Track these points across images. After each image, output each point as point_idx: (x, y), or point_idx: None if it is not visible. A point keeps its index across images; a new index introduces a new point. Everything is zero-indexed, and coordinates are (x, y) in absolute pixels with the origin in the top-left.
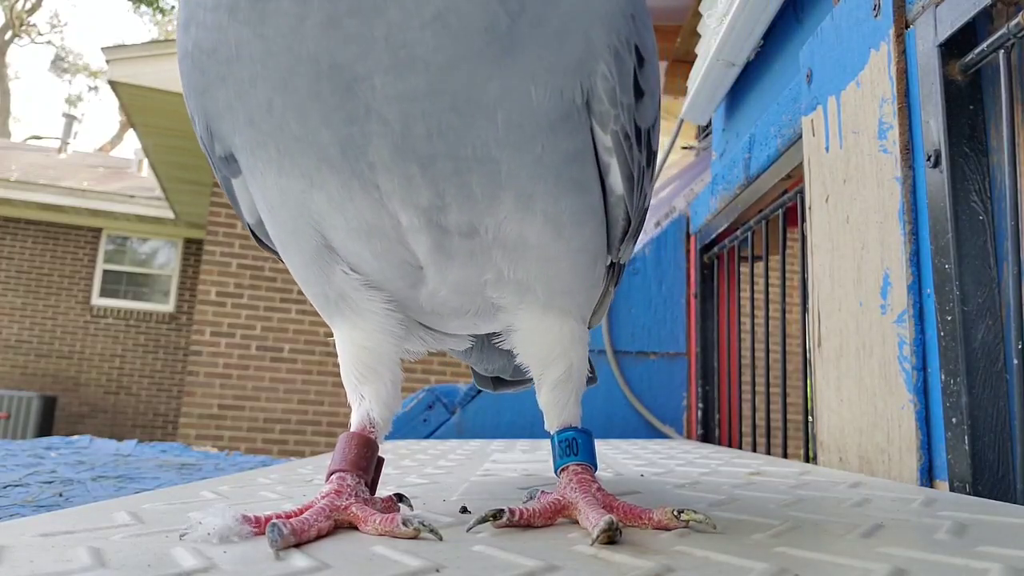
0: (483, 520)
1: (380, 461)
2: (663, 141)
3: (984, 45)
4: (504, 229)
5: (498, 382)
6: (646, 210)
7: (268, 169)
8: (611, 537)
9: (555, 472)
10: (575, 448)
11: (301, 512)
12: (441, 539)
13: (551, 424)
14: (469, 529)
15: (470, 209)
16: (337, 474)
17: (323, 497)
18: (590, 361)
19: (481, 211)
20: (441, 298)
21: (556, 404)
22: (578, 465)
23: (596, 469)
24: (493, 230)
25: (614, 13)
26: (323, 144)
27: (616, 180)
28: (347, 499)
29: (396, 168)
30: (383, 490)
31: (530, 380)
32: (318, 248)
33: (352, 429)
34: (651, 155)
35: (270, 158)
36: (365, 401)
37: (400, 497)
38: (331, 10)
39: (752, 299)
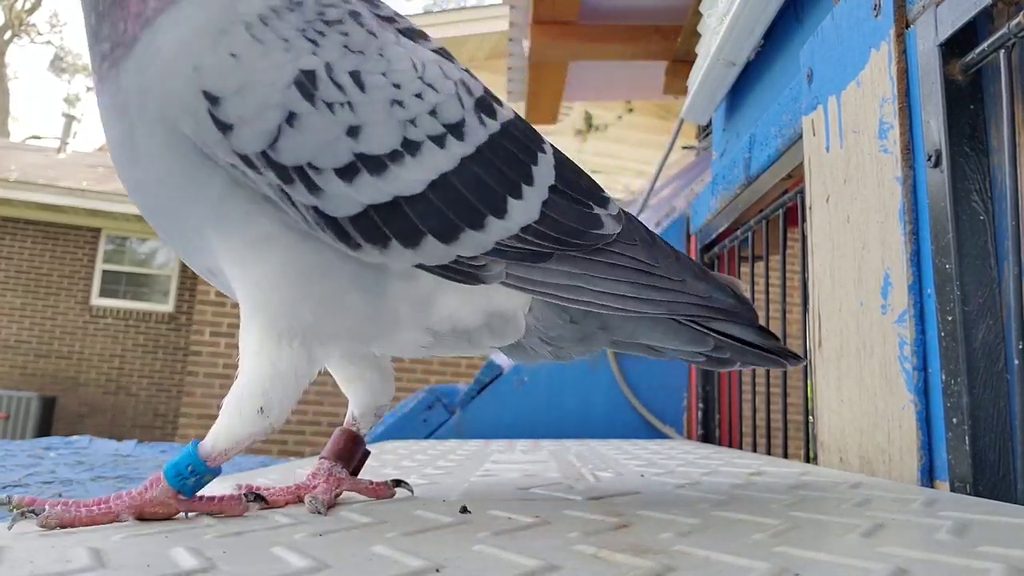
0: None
1: (366, 453)
2: (663, 140)
3: (985, 45)
4: (218, 266)
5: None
6: (350, 219)
7: None
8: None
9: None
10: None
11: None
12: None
13: None
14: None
15: (189, 257)
16: (320, 459)
17: (307, 477)
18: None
19: (194, 257)
20: None
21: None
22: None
23: (179, 490)
24: (216, 270)
25: (177, 83)
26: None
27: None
28: (316, 480)
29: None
30: None
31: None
32: None
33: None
34: (289, 171)
35: None
36: (349, 401)
37: (398, 482)
38: (113, 154)
39: (752, 299)
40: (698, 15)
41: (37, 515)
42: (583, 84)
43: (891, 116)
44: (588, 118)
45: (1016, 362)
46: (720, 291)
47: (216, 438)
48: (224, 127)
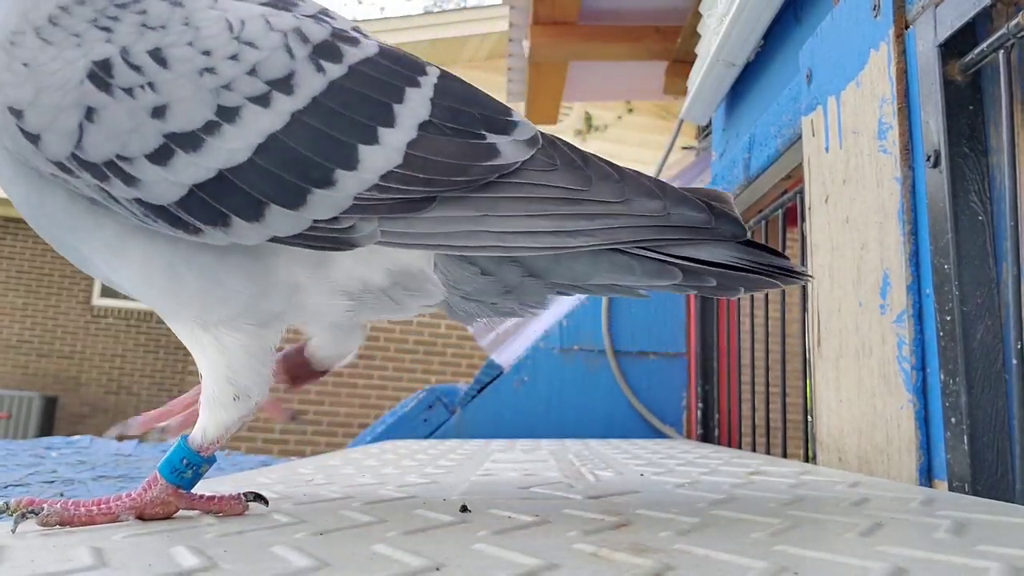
0: None
1: (312, 372)
2: (663, 140)
3: (984, 45)
4: (100, 267)
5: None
6: (177, 206)
7: None
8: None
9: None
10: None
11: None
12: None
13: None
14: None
15: (85, 268)
16: None
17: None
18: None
19: (86, 267)
20: None
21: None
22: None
23: (178, 486)
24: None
25: None
26: None
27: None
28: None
29: None
30: (383, 488)
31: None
32: None
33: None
34: (100, 168)
35: None
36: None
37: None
38: None
39: (752, 299)
40: (698, 15)
41: (37, 515)
42: (583, 84)
43: (890, 116)
44: (588, 118)
45: (1014, 362)
46: (686, 206)
47: (204, 429)
48: (33, 138)
